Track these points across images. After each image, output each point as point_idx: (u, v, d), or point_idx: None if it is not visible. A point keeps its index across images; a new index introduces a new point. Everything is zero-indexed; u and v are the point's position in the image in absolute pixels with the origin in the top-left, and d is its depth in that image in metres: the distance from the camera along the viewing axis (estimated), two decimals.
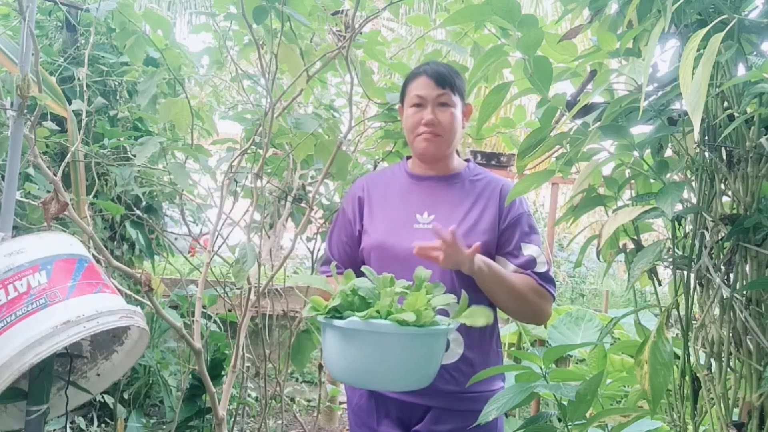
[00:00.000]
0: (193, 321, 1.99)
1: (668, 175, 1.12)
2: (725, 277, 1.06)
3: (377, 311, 1.23)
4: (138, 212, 2.57)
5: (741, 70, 1.05)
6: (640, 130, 1.18)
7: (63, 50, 2.81)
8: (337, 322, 1.23)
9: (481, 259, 1.40)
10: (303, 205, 2.43)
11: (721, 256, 1.07)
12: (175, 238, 3.12)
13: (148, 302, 1.73)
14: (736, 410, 1.06)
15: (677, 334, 1.18)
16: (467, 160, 1.64)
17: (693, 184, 1.14)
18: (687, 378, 1.13)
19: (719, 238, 1.07)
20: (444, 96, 1.51)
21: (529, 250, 1.51)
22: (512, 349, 3.64)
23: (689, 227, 1.16)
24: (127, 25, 2.05)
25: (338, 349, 1.26)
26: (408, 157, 1.69)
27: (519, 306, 1.48)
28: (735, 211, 1.06)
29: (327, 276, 1.59)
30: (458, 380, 1.47)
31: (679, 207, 1.03)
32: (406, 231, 1.51)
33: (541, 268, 1.51)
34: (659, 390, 1.05)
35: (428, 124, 1.51)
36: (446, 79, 1.51)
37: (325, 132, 2.15)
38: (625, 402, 1.54)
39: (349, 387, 1.63)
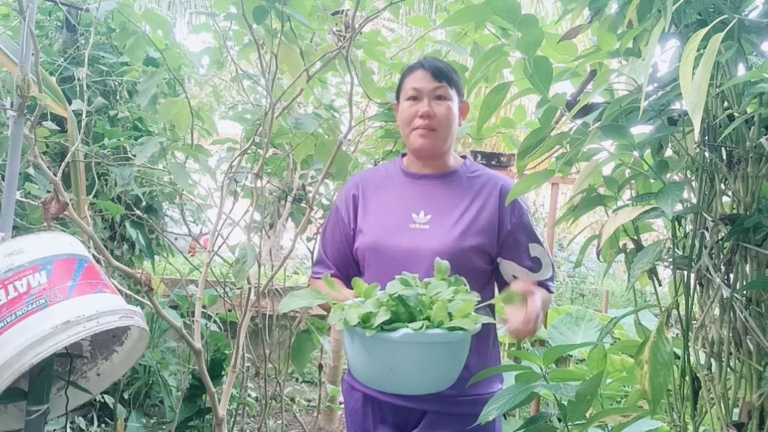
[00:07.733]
0: (193, 321, 2.00)
1: (668, 175, 1.12)
2: (725, 277, 1.06)
3: (428, 319, 1.19)
4: (138, 212, 2.57)
5: (741, 70, 1.05)
6: (640, 130, 1.18)
7: (63, 50, 2.81)
8: (388, 336, 1.16)
9: (540, 306, 1.32)
10: (303, 205, 2.43)
11: (721, 256, 1.07)
12: (175, 238, 3.12)
13: (148, 302, 1.73)
14: (736, 410, 1.06)
15: (677, 334, 1.18)
16: (464, 157, 1.60)
17: (693, 184, 1.14)
18: (687, 378, 1.13)
19: (719, 238, 1.07)
20: (441, 89, 1.47)
21: (535, 251, 1.49)
22: (512, 349, 3.64)
23: (689, 227, 1.16)
24: (127, 25, 2.05)
25: (378, 358, 1.21)
26: (403, 155, 1.63)
27: None
28: (735, 211, 1.06)
29: (316, 278, 1.57)
30: (455, 384, 1.45)
31: (679, 207, 1.03)
32: (401, 231, 1.48)
33: (547, 272, 1.50)
34: (659, 390, 1.05)
35: (424, 116, 1.46)
36: (443, 73, 1.47)
37: (325, 132, 2.15)
38: (625, 402, 1.54)
39: (346, 391, 1.59)
